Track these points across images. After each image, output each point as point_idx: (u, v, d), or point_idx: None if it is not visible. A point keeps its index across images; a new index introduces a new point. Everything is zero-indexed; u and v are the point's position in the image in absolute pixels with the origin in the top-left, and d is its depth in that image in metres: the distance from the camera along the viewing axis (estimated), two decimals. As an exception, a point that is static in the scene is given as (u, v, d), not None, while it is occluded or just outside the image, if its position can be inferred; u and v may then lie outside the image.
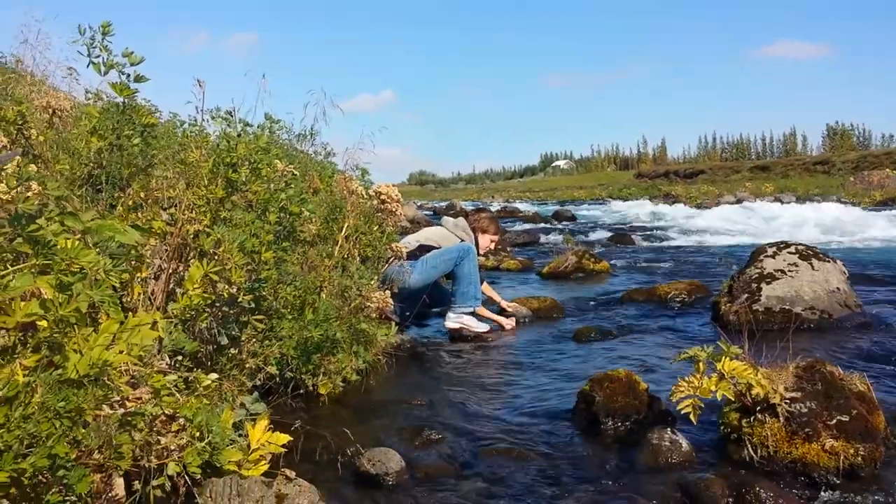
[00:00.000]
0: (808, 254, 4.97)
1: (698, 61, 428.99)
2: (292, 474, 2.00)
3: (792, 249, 5.03)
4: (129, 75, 2.53)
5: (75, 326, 1.54)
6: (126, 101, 2.64)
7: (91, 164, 2.71)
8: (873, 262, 8.42)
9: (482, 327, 4.89)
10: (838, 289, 4.74)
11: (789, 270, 4.81)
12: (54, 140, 2.95)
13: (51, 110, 3.31)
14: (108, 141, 2.64)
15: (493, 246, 5.69)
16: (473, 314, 4.91)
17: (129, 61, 2.47)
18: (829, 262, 4.93)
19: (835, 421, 2.32)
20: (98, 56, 2.45)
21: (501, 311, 5.40)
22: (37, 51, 5.65)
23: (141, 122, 2.70)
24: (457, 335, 4.82)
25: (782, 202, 24.91)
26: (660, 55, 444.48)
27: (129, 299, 2.36)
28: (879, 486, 2.22)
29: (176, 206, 2.65)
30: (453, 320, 4.88)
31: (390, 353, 3.77)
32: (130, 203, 2.67)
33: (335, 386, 3.17)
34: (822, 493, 2.19)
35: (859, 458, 2.26)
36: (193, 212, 2.64)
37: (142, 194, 2.71)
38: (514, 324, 5.08)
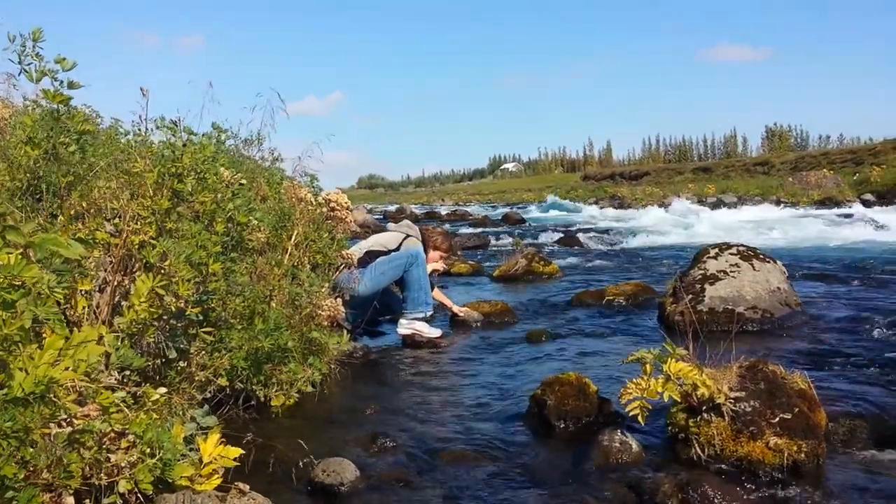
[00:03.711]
0: (749, 254, 5.11)
1: (643, 65, 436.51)
2: (246, 487, 1.99)
3: (734, 250, 5.17)
4: (62, 81, 2.47)
5: (20, 344, 1.51)
6: (61, 107, 2.57)
7: (30, 175, 2.64)
8: (813, 261, 8.70)
9: (434, 333, 4.90)
10: (779, 288, 4.89)
11: (731, 271, 4.94)
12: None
13: (-13, 119, 3.22)
14: (43, 149, 2.57)
15: (441, 264, 5.66)
16: (425, 319, 4.92)
17: (61, 67, 2.41)
18: (769, 262, 5.08)
19: (778, 419, 2.39)
20: (30, 63, 2.39)
21: (453, 317, 5.41)
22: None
23: (77, 130, 2.64)
24: (409, 341, 4.82)
25: (724, 203, 25.50)
26: (604, 59, 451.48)
27: (72, 312, 2.31)
28: (822, 482, 2.30)
29: (120, 217, 2.59)
30: (405, 326, 4.88)
31: (343, 362, 3.75)
32: (72, 213, 2.61)
33: (289, 397, 3.13)
34: (768, 490, 2.25)
35: (802, 455, 2.34)
36: (138, 223, 2.59)
37: (83, 204, 2.65)
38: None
